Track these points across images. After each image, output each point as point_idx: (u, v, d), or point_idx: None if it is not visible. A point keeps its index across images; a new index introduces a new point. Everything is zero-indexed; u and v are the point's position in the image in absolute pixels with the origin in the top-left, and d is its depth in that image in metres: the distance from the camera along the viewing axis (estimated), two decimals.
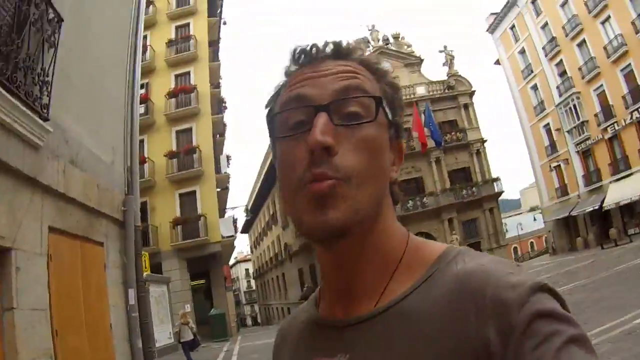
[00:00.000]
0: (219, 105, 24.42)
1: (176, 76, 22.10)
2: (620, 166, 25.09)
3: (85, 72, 4.78)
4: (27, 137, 3.28)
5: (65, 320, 3.63)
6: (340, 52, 0.59)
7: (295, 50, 0.60)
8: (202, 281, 21.52)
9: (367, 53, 0.60)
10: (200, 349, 16.10)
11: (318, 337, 0.60)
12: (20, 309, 2.94)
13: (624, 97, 24.27)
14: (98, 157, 5.17)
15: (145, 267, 14.95)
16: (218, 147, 23.83)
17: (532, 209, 57.01)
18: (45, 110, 3.54)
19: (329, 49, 0.59)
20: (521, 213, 63.56)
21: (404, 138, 0.61)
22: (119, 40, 6.10)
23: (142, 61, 21.10)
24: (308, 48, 0.59)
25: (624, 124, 24.54)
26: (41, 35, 3.31)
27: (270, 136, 0.60)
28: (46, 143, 3.65)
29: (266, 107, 0.62)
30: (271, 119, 0.58)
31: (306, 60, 0.59)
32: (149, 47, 21.54)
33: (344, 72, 0.56)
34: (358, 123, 0.53)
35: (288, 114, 0.55)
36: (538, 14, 30.64)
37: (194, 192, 20.48)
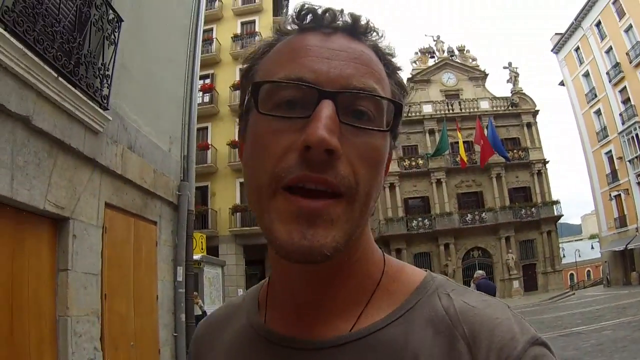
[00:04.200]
0: None
1: (241, 70, 23.22)
2: None
3: (145, 66, 5.27)
4: (88, 123, 3.74)
5: (114, 286, 4.11)
6: (356, 29, 0.48)
7: (301, 7, 0.48)
8: (258, 269, 22.42)
9: (383, 38, 0.50)
10: None
11: (268, 356, 0.50)
12: (74, 271, 3.40)
13: None
14: (155, 144, 5.67)
15: (202, 249, 15.92)
16: None
17: (592, 237, 54.90)
18: (105, 101, 4.01)
19: (343, 22, 0.47)
20: (581, 239, 60.74)
21: (396, 148, 0.51)
22: (179, 36, 6.60)
23: (208, 53, 22.06)
24: (319, 11, 0.48)
25: None
26: (102, 34, 3.76)
27: (243, 106, 0.51)
28: (106, 129, 4.12)
29: (244, 64, 0.54)
30: (254, 86, 0.45)
31: (312, 24, 0.48)
32: (214, 40, 22.67)
33: (361, 61, 0.45)
34: (371, 128, 0.43)
35: (277, 86, 0.44)
36: (602, 37, 28.64)
37: None
